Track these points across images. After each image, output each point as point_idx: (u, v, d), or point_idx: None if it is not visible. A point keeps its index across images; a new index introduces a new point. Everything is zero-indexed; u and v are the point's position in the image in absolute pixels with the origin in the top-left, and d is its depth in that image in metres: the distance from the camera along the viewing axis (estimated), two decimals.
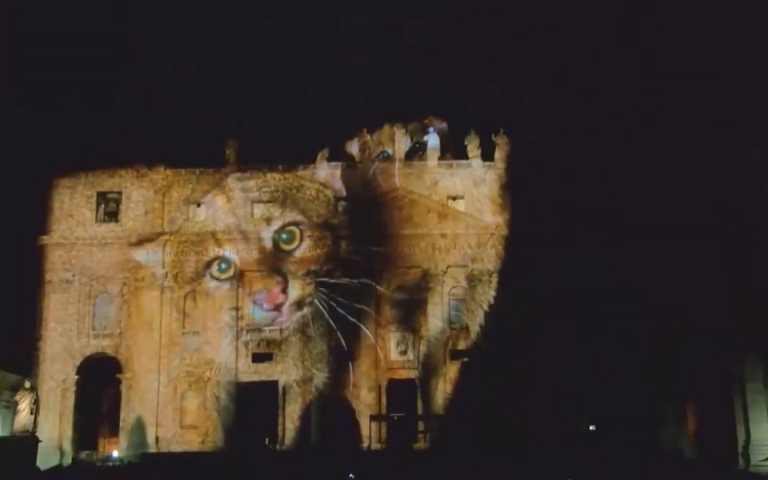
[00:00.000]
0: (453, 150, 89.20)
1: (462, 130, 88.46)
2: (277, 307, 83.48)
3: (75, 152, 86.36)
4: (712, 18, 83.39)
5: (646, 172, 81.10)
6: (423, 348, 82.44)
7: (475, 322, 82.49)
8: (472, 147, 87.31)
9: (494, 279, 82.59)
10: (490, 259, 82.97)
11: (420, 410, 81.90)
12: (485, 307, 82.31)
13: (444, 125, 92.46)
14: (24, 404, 61.22)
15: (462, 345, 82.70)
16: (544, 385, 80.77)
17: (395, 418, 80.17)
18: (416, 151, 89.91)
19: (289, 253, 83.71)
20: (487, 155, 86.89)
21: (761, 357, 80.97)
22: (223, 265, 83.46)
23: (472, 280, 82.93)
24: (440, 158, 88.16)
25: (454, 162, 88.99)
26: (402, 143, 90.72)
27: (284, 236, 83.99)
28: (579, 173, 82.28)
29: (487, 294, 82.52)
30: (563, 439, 78.71)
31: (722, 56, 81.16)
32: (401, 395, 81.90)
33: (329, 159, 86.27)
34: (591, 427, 78.30)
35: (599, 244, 79.96)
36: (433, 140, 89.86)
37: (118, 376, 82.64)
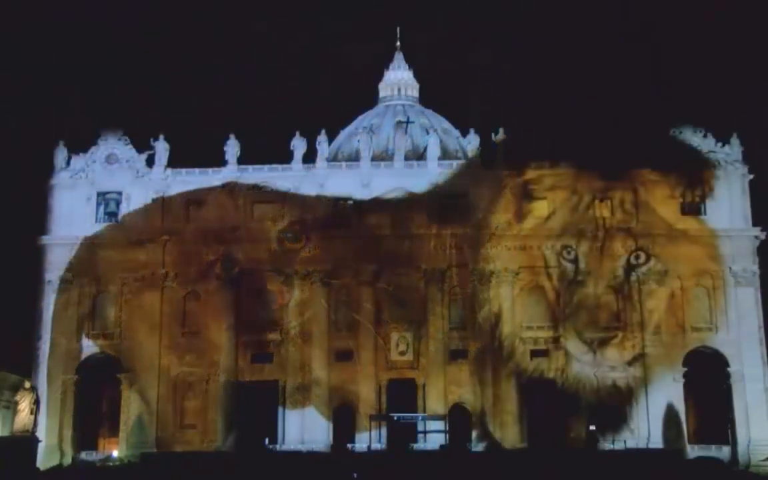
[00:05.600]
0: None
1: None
2: (280, 307, 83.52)
3: (75, 152, 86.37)
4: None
5: None
6: (424, 347, 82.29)
7: (477, 321, 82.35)
8: (472, 148, 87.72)
9: (495, 279, 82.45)
10: (492, 258, 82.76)
11: (420, 410, 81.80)
12: (487, 306, 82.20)
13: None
14: (24, 404, 61.18)
15: (462, 345, 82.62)
16: (546, 385, 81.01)
17: (395, 418, 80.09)
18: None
19: (292, 252, 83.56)
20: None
21: (761, 357, 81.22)
22: (225, 265, 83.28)
23: (481, 279, 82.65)
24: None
25: (454, 162, 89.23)
26: (402, 143, 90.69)
27: (287, 236, 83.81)
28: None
29: (489, 293, 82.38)
30: (565, 439, 78.89)
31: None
32: (402, 395, 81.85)
33: (331, 158, 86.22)
34: (591, 427, 78.26)
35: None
36: (433, 141, 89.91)
37: (118, 376, 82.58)
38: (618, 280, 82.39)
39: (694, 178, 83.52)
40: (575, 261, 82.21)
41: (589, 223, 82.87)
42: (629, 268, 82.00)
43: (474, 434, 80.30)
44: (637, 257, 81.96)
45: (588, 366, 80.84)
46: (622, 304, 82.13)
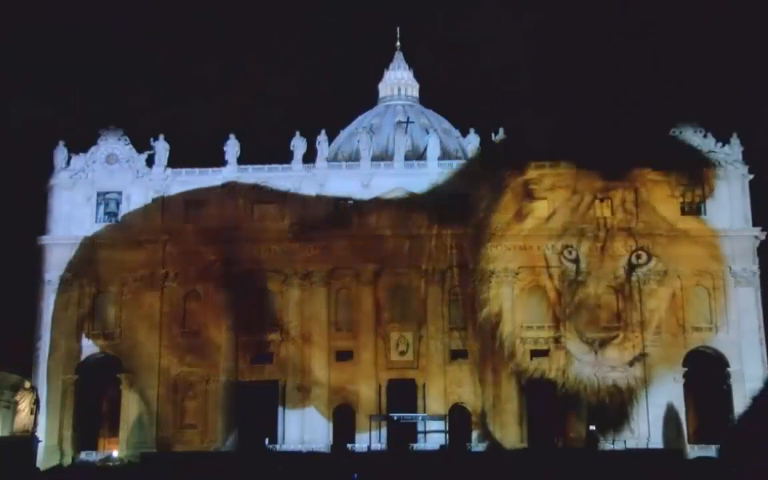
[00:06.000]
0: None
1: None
2: (280, 307, 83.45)
3: (75, 152, 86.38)
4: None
5: None
6: (424, 347, 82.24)
7: (478, 321, 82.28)
8: (472, 148, 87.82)
9: (495, 279, 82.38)
10: (493, 258, 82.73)
11: (420, 410, 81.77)
12: (487, 306, 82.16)
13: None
14: (24, 404, 61.15)
15: (462, 345, 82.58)
16: (546, 385, 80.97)
17: (395, 418, 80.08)
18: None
19: (292, 252, 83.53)
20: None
21: (761, 357, 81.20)
22: (225, 265, 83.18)
23: (482, 279, 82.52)
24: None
25: (454, 162, 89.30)
26: (402, 143, 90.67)
27: (287, 236, 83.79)
28: None
29: (489, 293, 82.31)
30: (565, 439, 78.87)
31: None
32: (402, 395, 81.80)
33: (331, 158, 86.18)
34: (591, 427, 78.24)
35: None
36: (433, 141, 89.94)
37: (118, 376, 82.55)
38: (619, 280, 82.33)
39: (695, 178, 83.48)
40: (576, 261, 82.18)
41: (590, 222, 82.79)
42: (630, 267, 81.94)
43: (474, 434, 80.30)
44: (638, 257, 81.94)
45: (588, 366, 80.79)
46: (623, 304, 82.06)
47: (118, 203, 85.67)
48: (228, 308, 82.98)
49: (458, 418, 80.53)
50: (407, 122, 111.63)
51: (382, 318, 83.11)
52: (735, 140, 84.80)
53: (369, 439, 78.09)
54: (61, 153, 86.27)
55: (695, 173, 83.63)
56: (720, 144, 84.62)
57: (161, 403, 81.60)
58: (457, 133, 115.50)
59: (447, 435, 77.54)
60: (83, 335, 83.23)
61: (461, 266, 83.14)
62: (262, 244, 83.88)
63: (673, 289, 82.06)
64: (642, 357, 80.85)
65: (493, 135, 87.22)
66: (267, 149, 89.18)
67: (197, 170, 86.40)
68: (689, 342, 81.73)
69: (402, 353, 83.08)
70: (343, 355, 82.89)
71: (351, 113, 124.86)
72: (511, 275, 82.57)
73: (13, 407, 67.05)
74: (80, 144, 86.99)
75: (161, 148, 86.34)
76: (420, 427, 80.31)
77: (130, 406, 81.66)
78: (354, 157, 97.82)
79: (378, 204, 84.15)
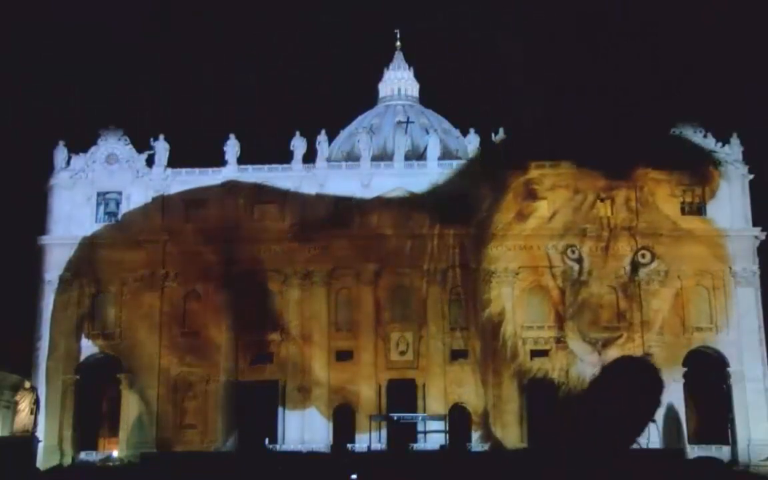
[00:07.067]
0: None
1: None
2: (280, 307, 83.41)
3: (75, 152, 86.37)
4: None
5: None
6: (424, 347, 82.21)
7: (480, 321, 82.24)
8: (472, 148, 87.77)
9: (497, 279, 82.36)
10: (495, 258, 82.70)
11: (420, 410, 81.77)
12: (489, 306, 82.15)
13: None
14: (24, 404, 61.26)
15: (462, 344, 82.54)
16: (547, 385, 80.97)
17: (395, 418, 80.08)
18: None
19: (292, 252, 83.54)
20: None
21: (761, 357, 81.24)
22: (225, 265, 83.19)
23: (484, 279, 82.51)
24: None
25: (454, 162, 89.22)
26: (402, 143, 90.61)
27: (287, 236, 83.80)
28: None
29: (491, 293, 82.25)
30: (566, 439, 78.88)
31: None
32: (402, 395, 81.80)
33: (331, 158, 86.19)
34: None
35: None
36: (433, 141, 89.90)
37: (118, 376, 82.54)
38: (621, 280, 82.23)
39: (697, 177, 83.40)
40: (579, 260, 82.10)
41: (593, 222, 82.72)
42: (634, 267, 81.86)
43: (475, 434, 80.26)
44: (643, 256, 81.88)
45: (590, 366, 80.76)
46: (626, 303, 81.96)
47: (118, 203, 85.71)
48: (228, 308, 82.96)
49: (458, 418, 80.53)
50: (407, 122, 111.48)
51: (382, 318, 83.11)
52: (735, 140, 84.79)
53: (369, 439, 78.09)
54: (61, 153, 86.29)
55: (698, 172, 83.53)
56: (720, 144, 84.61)
57: (161, 403, 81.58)
58: (457, 133, 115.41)
59: (447, 435, 77.52)
60: (83, 335, 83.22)
61: (463, 266, 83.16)
62: (262, 244, 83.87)
63: (676, 289, 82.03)
64: (645, 357, 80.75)
65: (493, 135, 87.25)
66: (267, 149, 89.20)
67: (197, 170, 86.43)
68: (691, 342, 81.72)
69: (402, 353, 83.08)
70: (344, 355, 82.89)
71: (351, 113, 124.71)
72: (512, 275, 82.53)
73: (13, 407, 67.14)
74: (80, 144, 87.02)
75: (161, 148, 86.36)
76: (420, 427, 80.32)
77: (130, 406, 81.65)
78: (354, 157, 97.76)
79: (379, 204, 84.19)
